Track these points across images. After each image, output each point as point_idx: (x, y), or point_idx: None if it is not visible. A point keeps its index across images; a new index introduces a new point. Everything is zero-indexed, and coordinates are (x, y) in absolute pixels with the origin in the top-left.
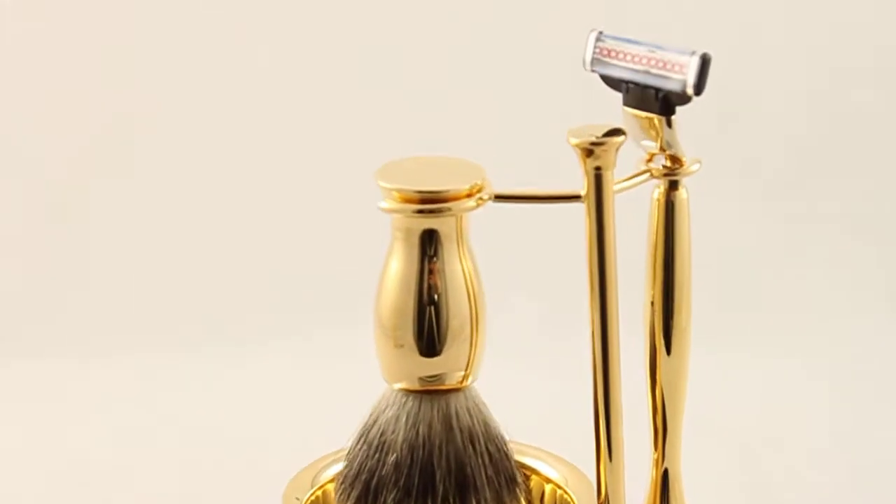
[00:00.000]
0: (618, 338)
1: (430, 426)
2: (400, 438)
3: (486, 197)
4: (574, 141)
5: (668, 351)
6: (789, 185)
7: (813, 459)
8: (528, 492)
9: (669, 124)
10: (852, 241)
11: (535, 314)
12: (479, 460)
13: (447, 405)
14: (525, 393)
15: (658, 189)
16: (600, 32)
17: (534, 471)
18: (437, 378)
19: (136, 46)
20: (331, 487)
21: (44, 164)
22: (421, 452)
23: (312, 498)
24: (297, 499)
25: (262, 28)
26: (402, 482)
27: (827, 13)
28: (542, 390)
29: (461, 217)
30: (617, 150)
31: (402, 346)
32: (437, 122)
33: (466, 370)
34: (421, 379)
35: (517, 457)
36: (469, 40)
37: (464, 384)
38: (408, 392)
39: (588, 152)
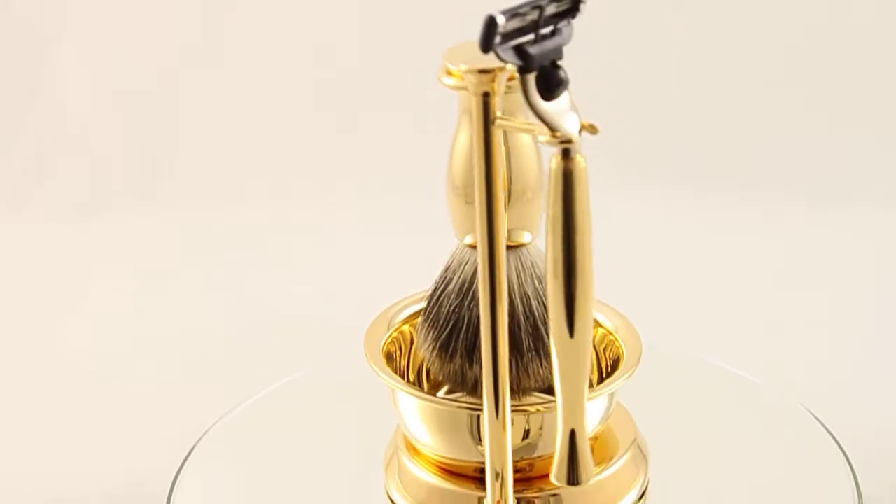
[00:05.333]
0: (503, 253)
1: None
2: (458, 284)
3: None
4: (463, 68)
5: (571, 332)
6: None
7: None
8: None
9: (524, 85)
10: None
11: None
12: (521, 313)
13: (518, 257)
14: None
15: (554, 157)
16: None
17: None
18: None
19: None
20: (406, 329)
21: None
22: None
23: (390, 340)
24: None
25: None
26: (453, 321)
27: None
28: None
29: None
30: (496, 79)
31: (471, 202)
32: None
33: (526, 228)
34: None
35: None
36: None
37: (526, 241)
38: (474, 247)
39: (474, 79)
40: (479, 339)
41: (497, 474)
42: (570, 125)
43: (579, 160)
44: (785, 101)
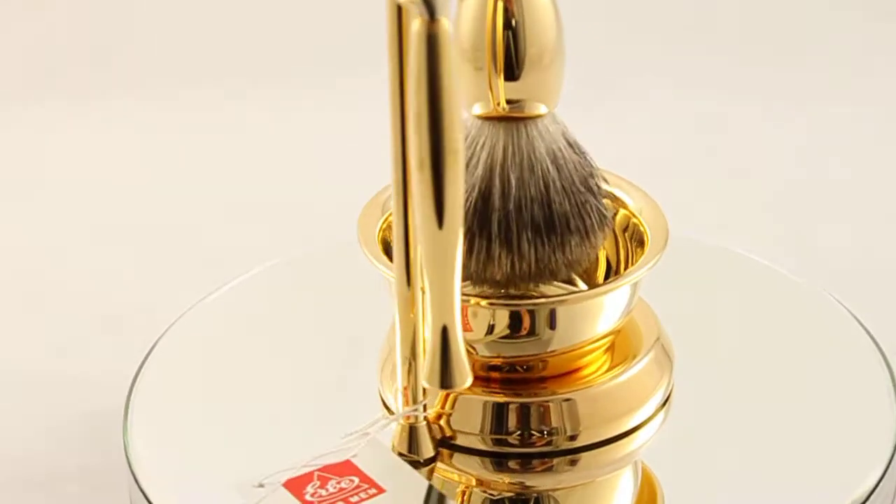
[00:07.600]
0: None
1: (506, 151)
2: (480, 163)
3: None
4: None
5: (440, 223)
6: None
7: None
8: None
9: None
10: None
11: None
12: (563, 185)
13: (526, 131)
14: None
15: (415, 20)
16: None
17: (612, 195)
18: (516, 105)
19: None
20: None
21: None
22: (501, 176)
23: (385, 226)
24: None
25: None
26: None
27: None
28: (625, 126)
29: None
30: None
31: (481, 68)
32: None
33: (542, 100)
34: (499, 104)
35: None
36: None
37: (541, 112)
38: (486, 119)
39: None
40: (470, 216)
41: (406, 359)
42: None
43: (445, 24)
44: None
